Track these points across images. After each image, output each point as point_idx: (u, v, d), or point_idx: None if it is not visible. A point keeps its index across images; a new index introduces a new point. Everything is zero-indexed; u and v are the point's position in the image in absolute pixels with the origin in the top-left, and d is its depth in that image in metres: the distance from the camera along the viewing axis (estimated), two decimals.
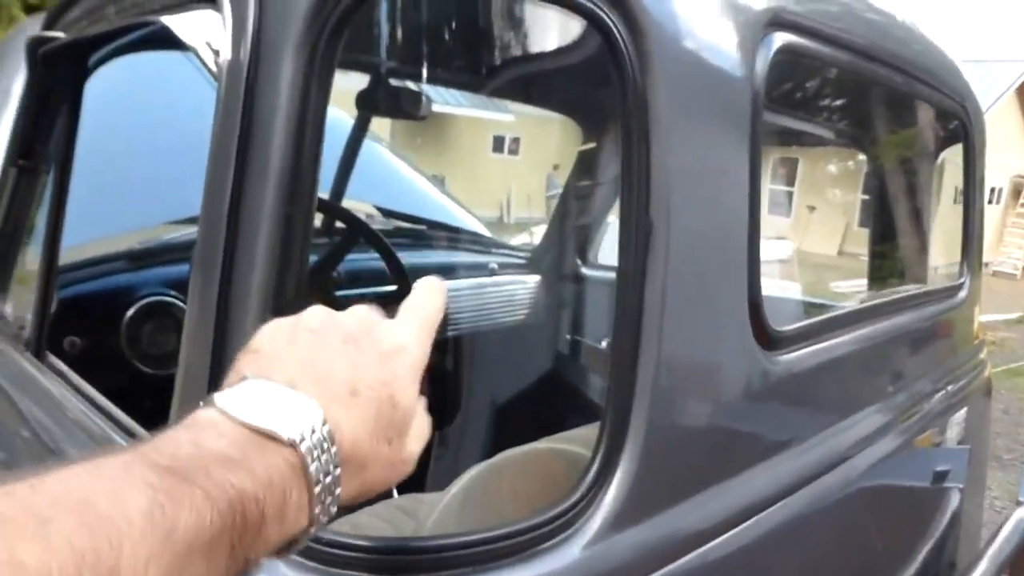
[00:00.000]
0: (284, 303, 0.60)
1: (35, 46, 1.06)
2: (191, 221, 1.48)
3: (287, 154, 0.60)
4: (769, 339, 0.77)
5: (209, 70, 0.69)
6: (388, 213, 1.90)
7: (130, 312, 1.52)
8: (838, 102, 1.32)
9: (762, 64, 0.75)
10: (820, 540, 0.89)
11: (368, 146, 1.84)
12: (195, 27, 0.73)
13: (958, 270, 1.41)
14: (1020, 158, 22.73)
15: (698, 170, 0.68)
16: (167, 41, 0.88)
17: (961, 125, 1.36)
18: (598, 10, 0.62)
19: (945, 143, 1.42)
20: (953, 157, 1.41)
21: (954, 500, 1.33)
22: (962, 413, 1.32)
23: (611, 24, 0.62)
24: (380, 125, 2.01)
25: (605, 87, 0.66)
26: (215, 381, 0.59)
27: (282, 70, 0.60)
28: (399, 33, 1.10)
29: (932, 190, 1.51)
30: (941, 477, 1.24)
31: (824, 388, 0.89)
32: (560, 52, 1.14)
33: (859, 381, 0.99)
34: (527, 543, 0.60)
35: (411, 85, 1.31)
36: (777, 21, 0.78)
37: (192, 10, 0.73)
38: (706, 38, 0.70)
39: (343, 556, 0.57)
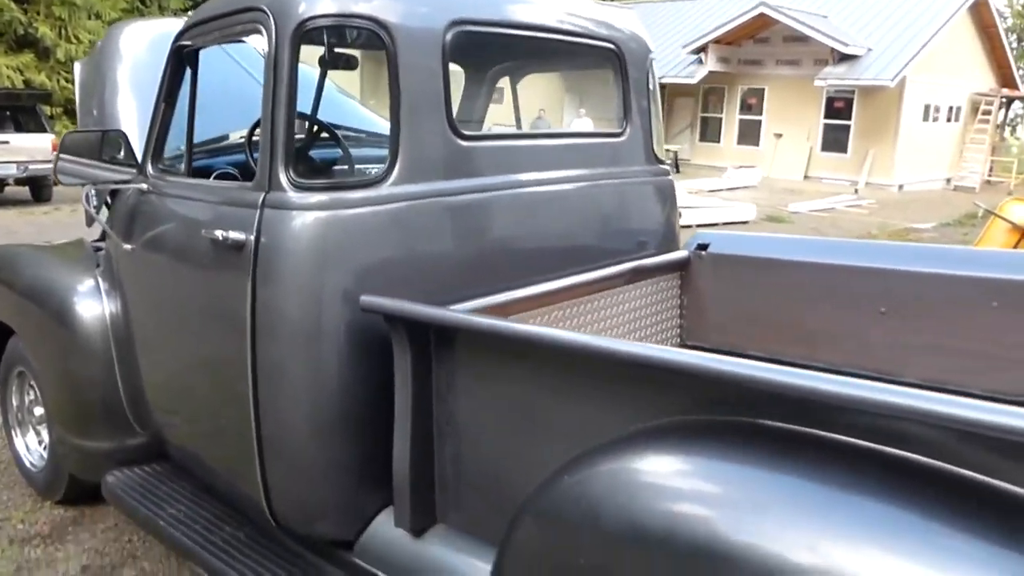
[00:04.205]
0: (291, 153, 2.04)
1: (175, 48, 2.49)
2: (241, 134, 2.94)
3: (287, 91, 2.03)
4: (460, 135, 2.22)
5: (261, 55, 2.12)
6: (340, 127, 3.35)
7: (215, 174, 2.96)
8: (511, 50, 2.76)
9: (448, 37, 2.17)
10: (492, 222, 2.35)
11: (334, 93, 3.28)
12: (253, 40, 2.17)
13: (620, 127, 2.85)
14: (977, 76, 23.74)
15: (420, 80, 2.12)
16: (239, 43, 2.33)
17: (615, 56, 2.78)
18: (377, 31, 2.05)
19: (603, 65, 2.83)
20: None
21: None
22: (609, 184, 2.78)
23: (385, 40, 2.06)
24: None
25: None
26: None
27: (284, 55, 2.03)
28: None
29: (603, 96, 2.93)
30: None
31: (489, 157, 2.34)
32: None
33: (520, 158, 2.44)
34: (367, 183, 2.06)
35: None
36: (455, 21, 2.20)
37: (252, 35, 2.17)
38: (417, 34, 2.13)
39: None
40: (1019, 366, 2.32)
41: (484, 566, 1.83)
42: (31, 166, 13.21)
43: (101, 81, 3.45)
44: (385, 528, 2.12)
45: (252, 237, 2.06)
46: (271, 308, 2.05)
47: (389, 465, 2.02)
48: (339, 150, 2.63)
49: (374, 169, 2.14)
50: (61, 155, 2.82)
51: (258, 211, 2.06)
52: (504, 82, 3.37)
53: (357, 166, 2.41)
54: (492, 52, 3.03)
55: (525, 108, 3.37)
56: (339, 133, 2.66)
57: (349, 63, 2.53)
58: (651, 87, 2.94)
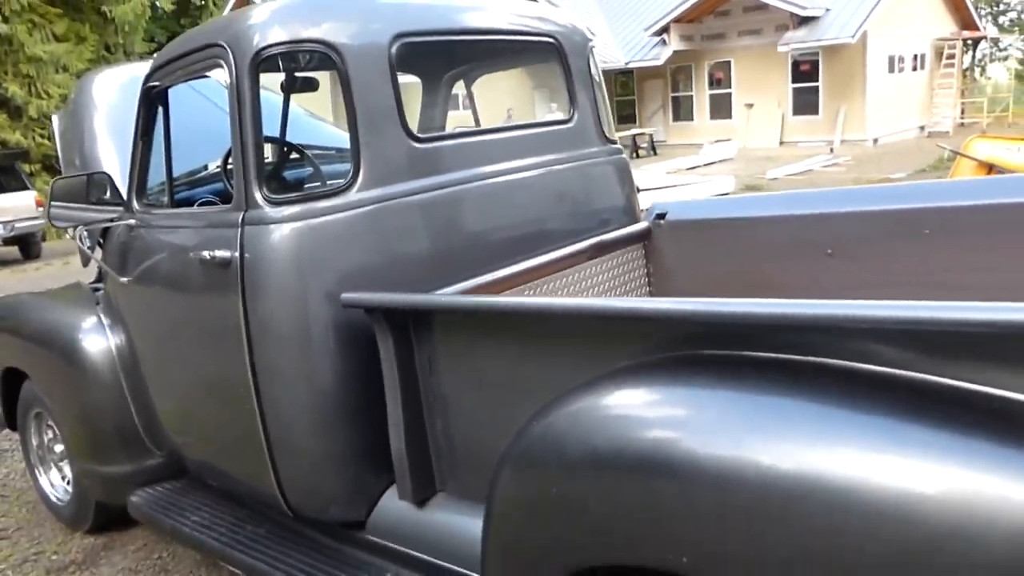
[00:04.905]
0: (262, 173, 2.24)
1: (146, 90, 2.68)
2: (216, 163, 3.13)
3: (251, 117, 2.23)
4: (415, 139, 2.41)
5: (225, 87, 2.31)
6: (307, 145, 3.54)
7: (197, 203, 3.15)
8: (456, 55, 2.95)
9: (393, 51, 2.36)
10: (459, 211, 2.54)
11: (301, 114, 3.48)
12: (215, 74, 2.36)
13: (567, 113, 3.04)
14: (937, 22, 23.97)
15: (372, 92, 2.31)
16: (204, 79, 2.52)
17: (555, 48, 2.97)
18: (327, 52, 2.24)
19: (547, 59, 3.03)
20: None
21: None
22: (563, 168, 2.95)
23: (335, 60, 2.25)
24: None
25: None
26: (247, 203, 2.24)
27: (245, 84, 2.22)
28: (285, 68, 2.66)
29: (543, 86, 3.11)
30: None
31: (445, 156, 2.53)
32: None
33: (476, 153, 2.62)
34: (334, 193, 2.25)
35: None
36: (397, 35, 2.39)
37: (214, 70, 2.36)
38: (364, 50, 2.31)
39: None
40: (960, 287, 2.51)
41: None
42: (17, 224, 13.36)
43: (79, 131, 3.64)
44: (391, 503, 2.31)
45: (236, 254, 2.25)
46: (261, 316, 2.24)
47: (388, 446, 2.21)
48: (309, 166, 2.82)
49: (343, 180, 2.33)
50: (52, 202, 3.00)
51: (239, 229, 2.25)
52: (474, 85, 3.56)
53: (328, 179, 2.60)
54: (440, 59, 3.23)
55: (496, 108, 3.56)
56: (308, 151, 2.85)
57: (310, 84, 2.73)
58: (594, 74, 3.13)
